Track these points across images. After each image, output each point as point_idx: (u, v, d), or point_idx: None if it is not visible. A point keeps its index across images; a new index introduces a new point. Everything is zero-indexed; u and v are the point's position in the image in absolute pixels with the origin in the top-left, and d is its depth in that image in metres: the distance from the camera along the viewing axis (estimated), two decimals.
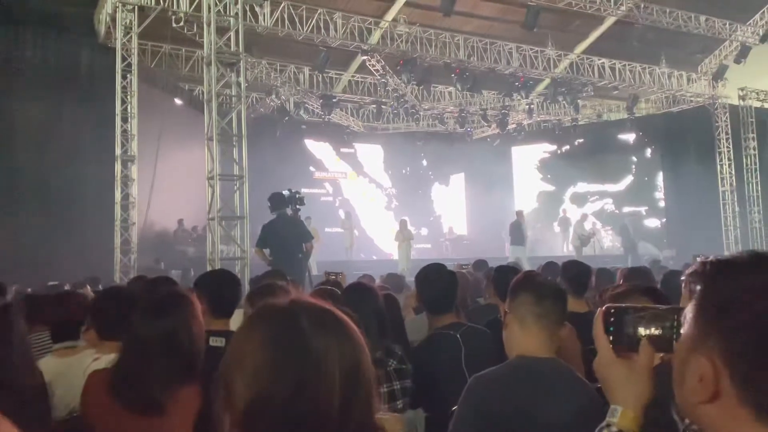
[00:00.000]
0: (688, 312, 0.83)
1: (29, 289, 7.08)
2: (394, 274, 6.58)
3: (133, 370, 2.01)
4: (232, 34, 9.75)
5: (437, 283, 3.01)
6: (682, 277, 3.35)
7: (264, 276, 4.53)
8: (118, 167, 11.60)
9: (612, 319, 1.04)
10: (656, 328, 1.01)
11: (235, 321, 3.17)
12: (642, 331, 1.02)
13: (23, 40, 11.91)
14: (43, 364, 2.88)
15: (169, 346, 2.02)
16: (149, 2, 11.43)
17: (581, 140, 20.32)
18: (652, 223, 19.42)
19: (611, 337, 1.04)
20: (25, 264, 9.81)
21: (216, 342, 2.98)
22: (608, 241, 19.62)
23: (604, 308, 1.05)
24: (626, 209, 19.40)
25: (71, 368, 2.69)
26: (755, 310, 0.75)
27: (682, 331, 0.87)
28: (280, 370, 0.93)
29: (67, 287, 7.13)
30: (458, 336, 2.83)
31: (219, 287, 3.14)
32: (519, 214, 15.36)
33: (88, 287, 7.08)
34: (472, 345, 2.83)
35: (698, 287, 0.83)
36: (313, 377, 0.93)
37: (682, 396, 0.82)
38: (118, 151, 11.58)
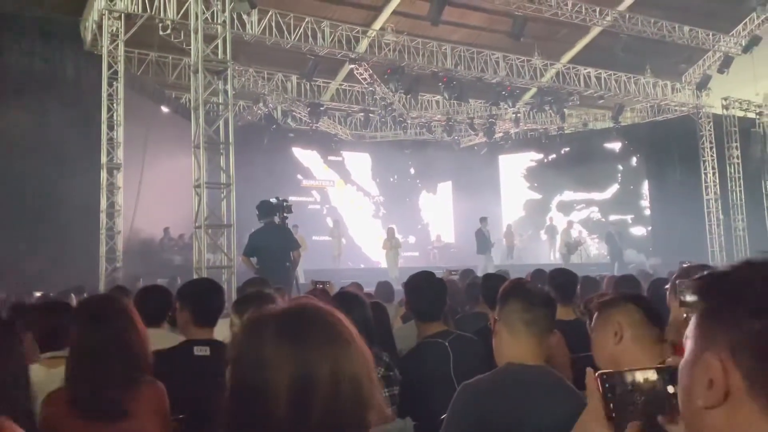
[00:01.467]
0: (690, 326, 0.83)
1: (14, 298, 7.00)
2: (386, 283, 6.55)
3: (86, 378, 2.05)
4: (219, 41, 9.72)
5: (426, 291, 3.01)
6: (667, 286, 3.38)
7: (246, 284, 4.49)
8: (103, 175, 11.51)
9: (606, 385, 1.05)
10: (650, 390, 1.03)
11: (220, 330, 3.14)
12: (637, 397, 1.03)
13: (8, 47, 11.81)
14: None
15: (114, 349, 2.08)
16: (136, 9, 11.38)
17: (567, 149, 20.47)
18: (638, 231, 19.55)
19: (609, 405, 1.04)
20: (8, 273, 9.68)
21: (201, 351, 2.96)
22: (594, 249, 19.73)
23: (597, 376, 1.06)
24: (612, 217, 19.52)
25: (57, 378, 2.66)
26: (759, 298, 0.75)
27: (678, 384, 0.87)
28: (239, 379, 0.97)
29: (51, 296, 7.05)
30: (447, 344, 2.83)
31: (202, 296, 3.11)
32: (482, 221, 15.32)
33: (73, 296, 7.00)
34: (461, 353, 2.83)
35: (696, 296, 0.83)
36: (260, 385, 0.94)
37: (690, 409, 0.82)
38: (103, 158, 11.50)
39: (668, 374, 1.01)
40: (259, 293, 2.82)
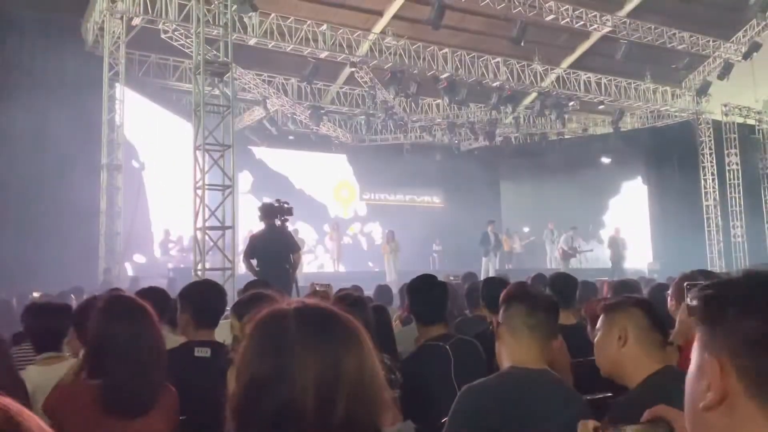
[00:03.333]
0: (697, 333, 0.86)
1: (13, 299, 7.00)
2: (385, 286, 6.56)
3: (113, 372, 2.04)
4: (220, 44, 9.74)
5: (428, 294, 3.00)
6: (668, 291, 3.39)
7: (247, 287, 4.48)
8: (104, 176, 11.51)
9: None
10: None
11: (221, 332, 3.14)
12: None
13: (9, 47, 11.80)
14: (26, 374, 2.84)
15: (144, 346, 2.10)
16: (137, 11, 11.40)
17: (567, 153, 20.46)
18: (637, 236, 19.54)
19: None
20: (7, 273, 9.66)
21: (201, 352, 2.95)
22: (593, 254, 19.70)
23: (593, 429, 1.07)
24: (612, 222, 19.51)
25: (54, 378, 2.66)
26: (757, 303, 0.78)
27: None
28: (258, 369, 0.95)
29: (50, 297, 7.04)
30: (448, 347, 2.83)
31: (203, 298, 3.11)
32: (490, 223, 16.03)
33: (73, 297, 7.00)
34: (462, 356, 2.82)
35: (700, 303, 0.85)
36: (286, 376, 0.92)
37: (693, 413, 0.84)
38: (104, 159, 11.50)
39: (663, 428, 1.02)
40: (258, 294, 2.81)
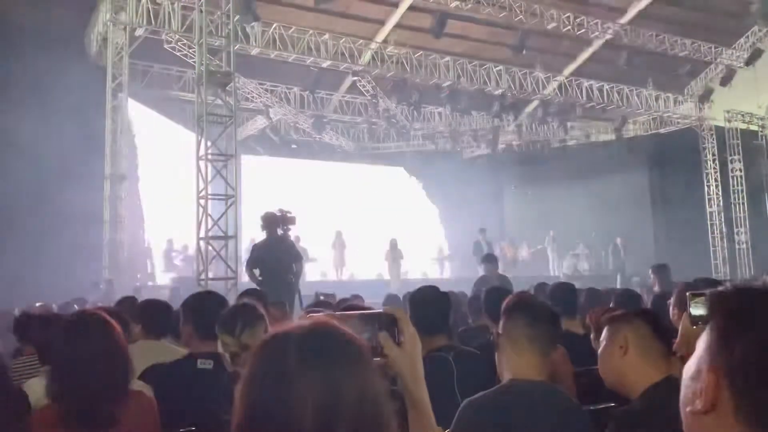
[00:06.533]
0: (700, 338, 0.86)
1: (16, 310, 6.99)
2: (395, 296, 6.56)
3: (74, 390, 2.10)
4: (223, 54, 9.78)
5: (430, 304, 3.00)
6: (670, 300, 3.37)
7: (239, 297, 4.45)
8: (107, 186, 11.54)
9: None
10: None
11: None
12: None
13: (13, 57, 11.87)
14: (30, 386, 2.84)
15: (97, 360, 2.13)
16: (141, 22, 11.46)
17: (570, 161, 20.42)
18: (641, 243, 19.47)
19: None
20: (9, 284, 9.68)
21: (204, 364, 2.95)
22: (595, 262, 19.64)
23: None
24: (615, 230, 19.46)
25: None
26: (762, 327, 0.78)
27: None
28: (259, 393, 0.94)
29: (54, 307, 7.05)
30: (450, 358, 2.82)
31: (206, 309, 3.09)
32: (481, 231, 16.10)
33: (75, 307, 7.00)
34: (465, 367, 2.81)
35: (706, 312, 0.86)
36: (286, 401, 0.92)
37: (684, 413, 0.85)
38: (107, 169, 11.53)
39: None
40: (242, 306, 2.78)
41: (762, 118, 18.76)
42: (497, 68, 15.72)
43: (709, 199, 18.03)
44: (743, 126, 18.59)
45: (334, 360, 0.95)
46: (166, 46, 11.88)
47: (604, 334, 1.98)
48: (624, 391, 1.93)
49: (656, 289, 5.79)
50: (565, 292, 3.89)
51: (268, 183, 18.10)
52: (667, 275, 7.70)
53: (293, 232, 8.23)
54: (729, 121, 18.22)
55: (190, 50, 11.62)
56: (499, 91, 15.82)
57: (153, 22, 11.44)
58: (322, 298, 5.30)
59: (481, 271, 14.83)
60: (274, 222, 7.70)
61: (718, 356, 0.80)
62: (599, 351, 1.98)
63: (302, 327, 0.99)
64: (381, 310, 1.14)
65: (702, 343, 0.85)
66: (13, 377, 2.85)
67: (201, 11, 9.67)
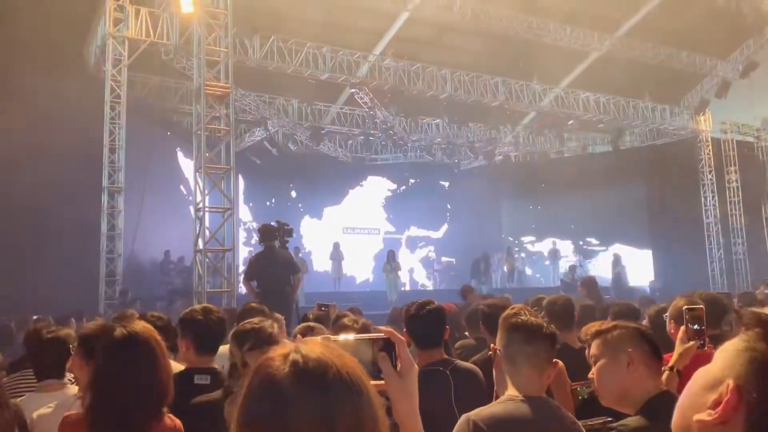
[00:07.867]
0: (726, 347, 0.83)
1: (12, 323, 6.98)
2: (399, 311, 6.54)
3: (111, 406, 2.03)
4: (221, 66, 9.82)
5: (426, 318, 3.00)
6: (666, 314, 3.37)
7: (244, 312, 4.43)
8: (104, 198, 11.54)
9: None
10: None
11: (221, 357, 3.13)
12: None
13: (11, 70, 11.88)
14: (26, 401, 2.84)
15: (142, 380, 2.07)
16: (139, 35, 11.51)
17: (567, 172, 20.46)
18: (639, 254, 19.51)
19: None
20: (6, 296, 9.65)
21: (201, 380, 2.94)
22: (594, 271, 19.66)
23: None
24: (612, 241, 19.50)
25: (53, 404, 2.66)
26: None
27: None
28: (253, 421, 0.94)
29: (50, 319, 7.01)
30: (448, 372, 2.82)
31: (203, 324, 3.08)
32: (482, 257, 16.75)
33: (73, 320, 6.99)
34: (462, 382, 2.81)
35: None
36: (280, 429, 0.91)
37: (685, 417, 0.83)
38: (105, 181, 11.53)
39: None
40: (259, 328, 2.78)
41: (758, 129, 18.86)
42: (494, 80, 15.79)
43: (706, 210, 18.08)
44: (739, 137, 18.68)
45: (329, 390, 0.94)
46: (164, 57, 11.91)
47: (601, 350, 1.98)
48: (624, 407, 1.93)
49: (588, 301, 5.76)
50: (561, 305, 3.88)
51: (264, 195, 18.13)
52: (595, 288, 7.75)
53: (292, 244, 8.24)
54: (725, 133, 18.31)
55: (188, 63, 11.67)
56: (496, 103, 15.88)
57: (152, 35, 11.48)
58: (323, 309, 5.29)
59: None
60: (272, 234, 7.70)
61: (750, 375, 0.77)
62: (598, 368, 1.97)
63: (296, 356, 0.98)
64: (378, 335, 1.14)
65: (725, 356, 0.82)
66: (10, 392, 2.85)
67: (199, 24, 9.73)
